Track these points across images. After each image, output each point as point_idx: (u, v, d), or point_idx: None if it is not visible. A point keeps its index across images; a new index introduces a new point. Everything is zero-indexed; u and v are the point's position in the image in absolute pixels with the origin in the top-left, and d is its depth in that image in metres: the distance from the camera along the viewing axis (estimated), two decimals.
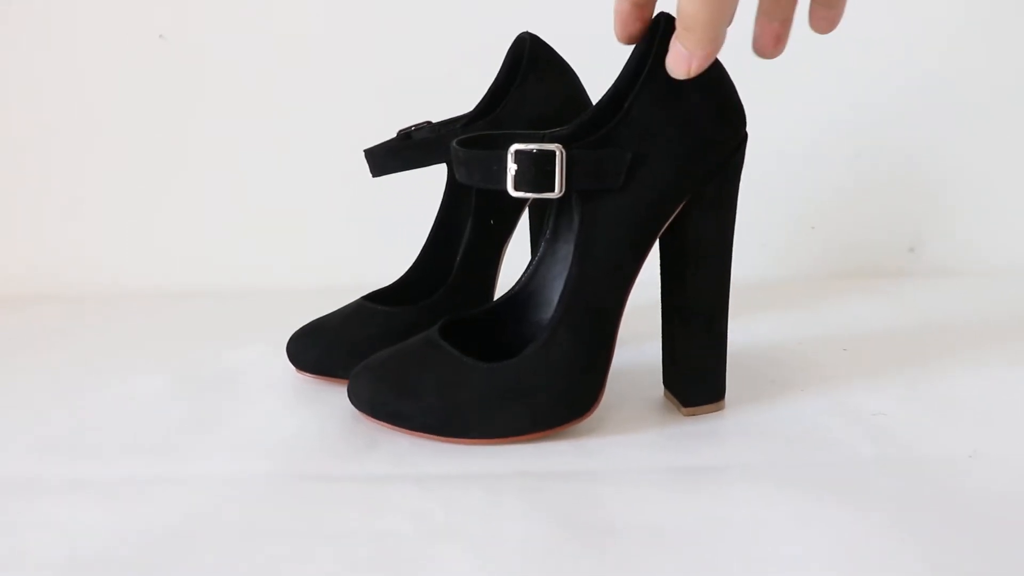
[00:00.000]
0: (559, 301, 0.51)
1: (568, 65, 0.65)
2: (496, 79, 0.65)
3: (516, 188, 0.48)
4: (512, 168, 0.48)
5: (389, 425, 0.52)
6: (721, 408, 0.55)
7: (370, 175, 0.64)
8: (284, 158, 0.99)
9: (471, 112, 0.64)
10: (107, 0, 0.96)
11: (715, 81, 0.49)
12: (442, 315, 0.60)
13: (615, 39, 0.49)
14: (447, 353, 0.52)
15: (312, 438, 0.54)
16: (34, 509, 0.46)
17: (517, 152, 0.48)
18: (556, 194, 0.48)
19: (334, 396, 0.60)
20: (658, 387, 0.59)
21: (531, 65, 0.63)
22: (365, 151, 0.63)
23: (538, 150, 0.47)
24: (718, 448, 0.50)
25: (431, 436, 0.51)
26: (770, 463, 0.48)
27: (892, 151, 0.93)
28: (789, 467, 0.47)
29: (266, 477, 0.49)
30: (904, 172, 0.94)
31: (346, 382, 0.57)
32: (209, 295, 0.94)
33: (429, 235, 0.68)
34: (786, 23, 0.46)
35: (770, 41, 0.46)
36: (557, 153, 0.47)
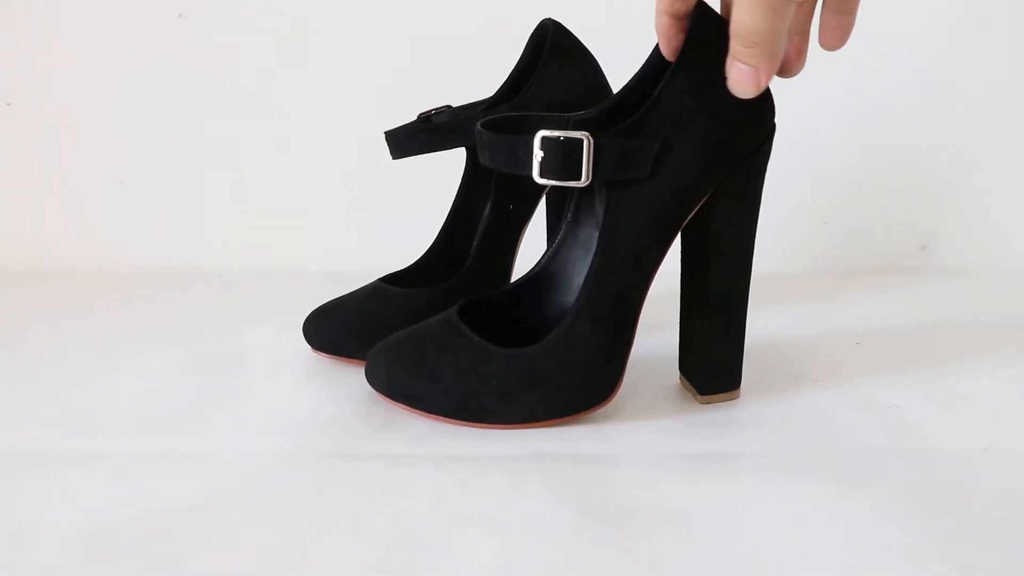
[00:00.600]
0: (582, 288, 0.51)
1: (590, 53, 0.64)
2: (517, 65, 0.65)
3: (541, 175, 0.48)
4: (538, 155, 0.48)
5: (406, 407, 0.53)
6: (736, 397, 0.56)
7: (390, 157, 0.64)
8: (301, 144, 0.99)
9: (492, 97, 0.64)
10: None
11: None
12: (459, 298, 0.60)
13: (665, 54, 0.48)
14: (466, 336, 0.52)
15: (328, 417, 0.54)
16: (51, 482, 0.46)
17: (544, 139, 0.47)
18: (582, 183, 0.48)
19: (350, 376, 0.60)
20: (674, 374, 0.59)
21: (553, 52, 0.63)
22: (385, 133, 0.63)
23: (565, 138, 0.47)
24: (734, 437, 0.51)
25: (448, 419, 0.52)
26: (784, 452, 0.48)
27: (905, 148, 0.93)
28: (803, 457, 0.47)
29: (281, 455, 0.49)
30: (917, 170, 0.94)
31: (362, 363, 0.58)
32: (221, 276, 0.94)
33: (447, 218, 0.68)
34: (804, 36, 0.47)
35: (792, 55, 0.47)
36: (584, 142, 0.47)
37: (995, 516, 0.41)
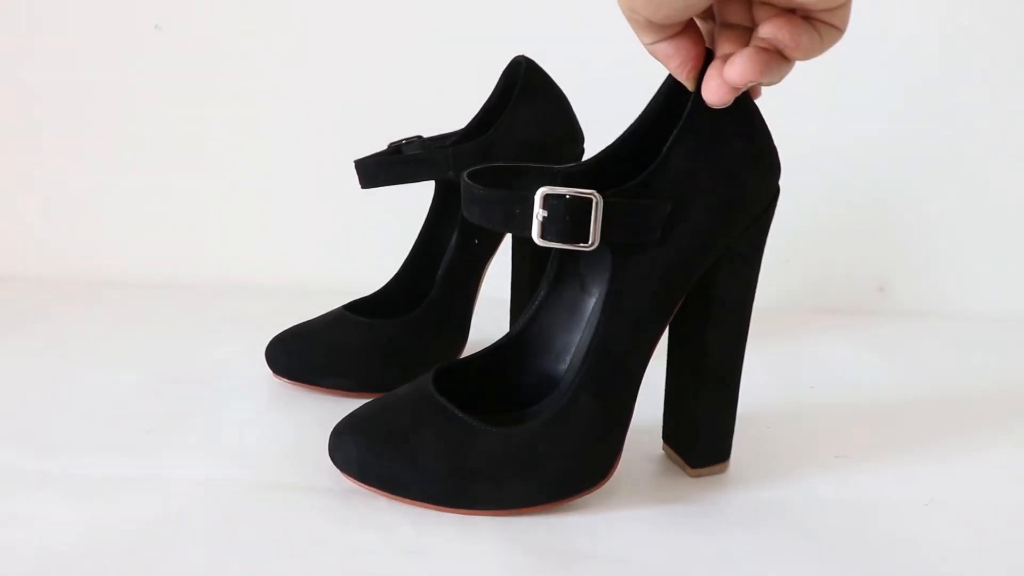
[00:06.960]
0: (583, 359, 0.47)
1: (561, 92, 0.65)
2: (489, 100, 0.65)
3: (543, 236, 0.43)
4: (539, 214, 0.42)
5: (381, 491, 0.47)
6: (725, 470, 0.52)
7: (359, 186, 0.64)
8: (275, 156, 0.99)
9: (462, 130, 0.65)
10: None
11: (756, 127, 0.46)
12: (421, 329, 0.60)
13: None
14: (448, 411, 0.47)
15: (284, 447, 0.54)
16: (4, 504, 0.46)
17: (547, 197, 0.42)
18: (590, 246, 0.43)
19: (309, 403, 0.61)
20: (657, 443, 0.56)
21: (525, 89, 0.63)
22: (355, 162, 0.63)
23: (572, 196, 0.42)
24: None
25: (431, 506, 0.46)
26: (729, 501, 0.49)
27: (866, 190, 0.95)
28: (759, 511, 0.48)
29: (237, 484, 0.49)
30: (877, 211, 0.95)
31: (321, 389, 0.59)
32: (192, 288, 0.93)
33: (412, 249, 0.68)
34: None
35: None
36: (594, 201, 0.42)
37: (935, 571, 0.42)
